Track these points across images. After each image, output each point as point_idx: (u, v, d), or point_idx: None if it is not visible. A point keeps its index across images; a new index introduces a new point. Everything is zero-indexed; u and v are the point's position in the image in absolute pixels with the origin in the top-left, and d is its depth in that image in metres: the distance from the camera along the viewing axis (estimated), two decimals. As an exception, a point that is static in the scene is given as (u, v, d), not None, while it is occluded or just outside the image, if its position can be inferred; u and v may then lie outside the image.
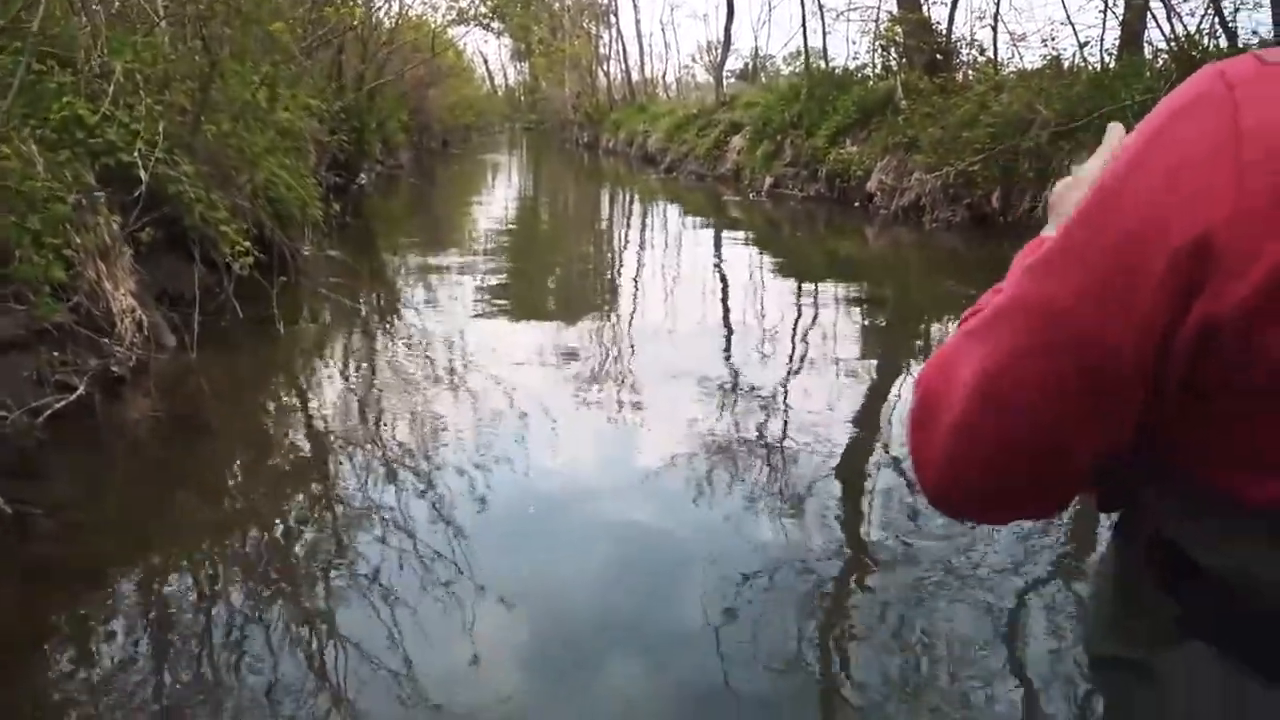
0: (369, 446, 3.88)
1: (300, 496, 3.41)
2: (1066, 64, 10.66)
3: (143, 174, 4.68)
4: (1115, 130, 0.73)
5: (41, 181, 3.69)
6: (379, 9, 13.53)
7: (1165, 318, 0.50)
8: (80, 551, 2.88)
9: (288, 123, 7.43)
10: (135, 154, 4.70)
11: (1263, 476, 0.51)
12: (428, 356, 5.31)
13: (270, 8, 6.95)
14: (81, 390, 3.82)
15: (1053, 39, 11.01)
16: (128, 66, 4.99)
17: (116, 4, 5.67)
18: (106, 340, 4.22)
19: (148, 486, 3.46)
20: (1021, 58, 11.75)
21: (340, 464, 3.70)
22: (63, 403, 3.65)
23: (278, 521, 3.21)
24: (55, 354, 4.02)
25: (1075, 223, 0.53)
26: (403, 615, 2.48)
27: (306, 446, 3.96)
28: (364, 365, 5.29)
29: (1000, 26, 12.13)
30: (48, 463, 3.42)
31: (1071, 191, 0.72)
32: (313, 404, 4.55)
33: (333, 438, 4.01)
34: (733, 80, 27.77)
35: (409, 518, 3.10)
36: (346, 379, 5.04)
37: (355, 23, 10.98)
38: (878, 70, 14.64)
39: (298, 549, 3.00)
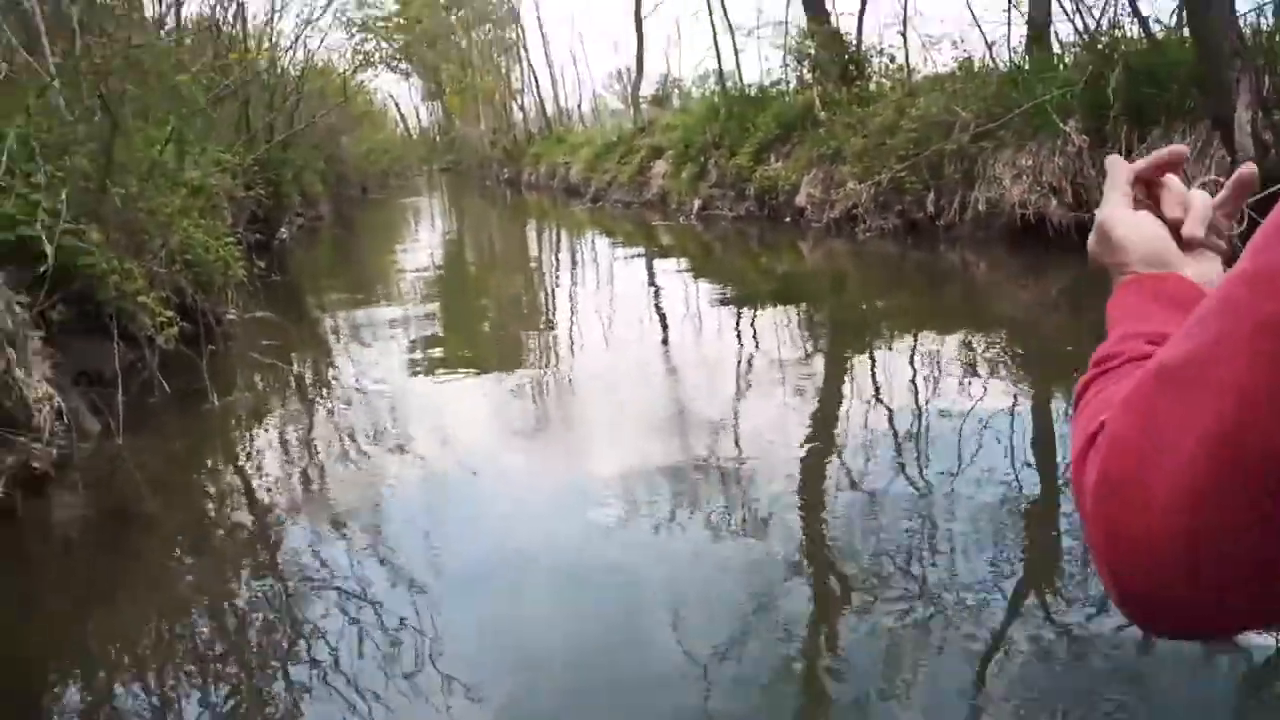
0: (315, 523, 3.58)
1: (247, 585, 3.12)
2: (977, 65, 10.85)
3: (48, 248, 4.31)
4: (1115, 163, 0.70)
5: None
6: (284, 56, 13.18)
7: None
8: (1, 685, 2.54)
9: (199, 180, 7.05)
10: (38, 226, 4.33)
11: None
12: (368, 419, 5.03)
13: (171, 61, 6.61)
14: (0, 493, 3.45)
15: (962, 41, 11.18)
16: (21, 132, 4.62)
17: (4, 67, 5.28)
18: (22, 436, 3.84)
19: (78, 596, 3.10)
20: (934, 62, 11.88)
21: (287, 545, 3.41)
22: (-24, 510, 3.28)
23: (225, 617, 2.91)
24: (-37, 454, 3.64)
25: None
26: (369, 700, 2.32)
27: (249, 530, 3.63)
28: (303, 436, 4.94)
29: (910, 32, 12.28)
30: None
31: (1109, 235, 0.67)
32: (252, 482, 4.21)
33: (276, 517, 3.70)
34: (646, 105, 27.89)
35: (363, 592, 2.92)
36: (285, 452, 4.69)
37: (262, 70, 10.62)
38: (793, 85, 14.78)
39: (251, 644, 2.72)
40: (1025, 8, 10.39)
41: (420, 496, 3.80)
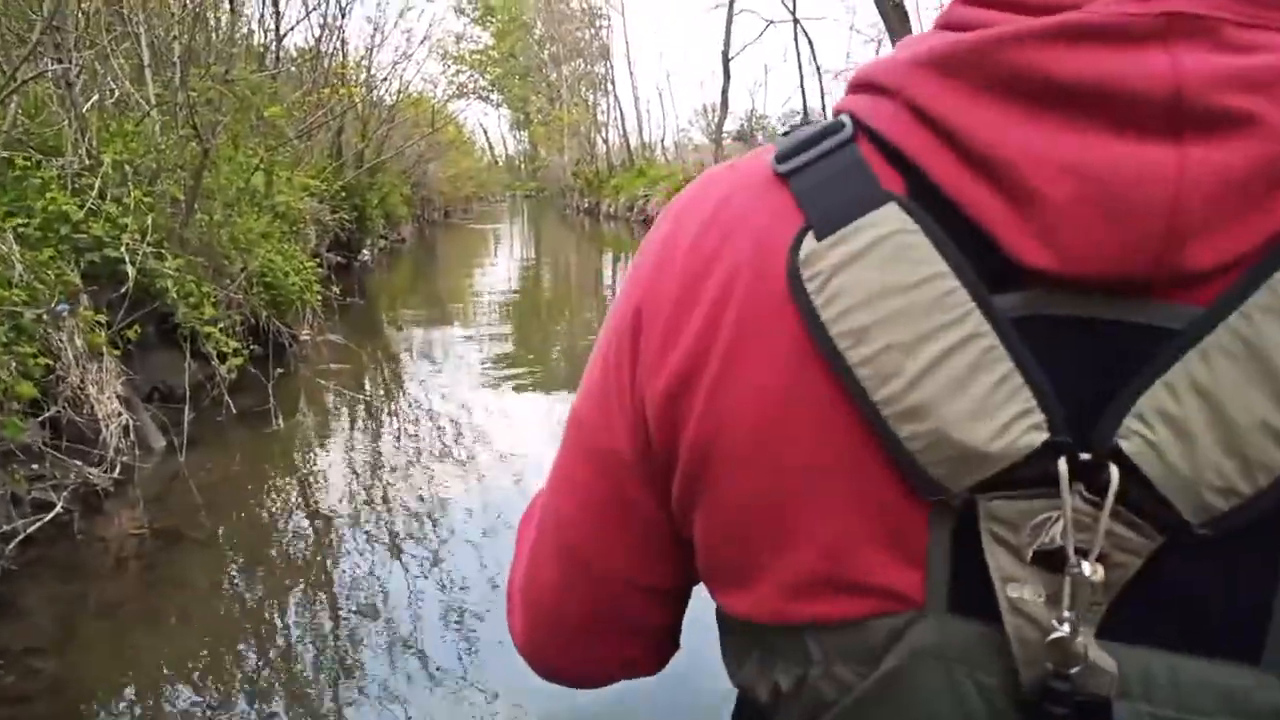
0: (374, 551, 3.62)
1: (297, 609, 3.15)
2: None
3: (129, 269, 4.48)
4: None
5: (16, 290, 3.47)
6: (379, 88, 13.60)
7: (632, 405, 0.51)
8: (50, 709, 2.58)
9: (285, 206, 7.29)
10: (122, 249, 4.50)
11: (716, 584, 0.52)
12: (434, 441, 5.12)
13: (267, 92, 6.86)
14: (59, 508, 3.55)
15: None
16: (116, 158, 4.83)
17: (112, 95, 5.54)
18: (90, 450, 3.97)
19: (128, 617, 3.16)
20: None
21: (344, 573, 3.43)
22: (36, 525, 3.38)
23: (273, 640, 2.93)
24: (33, 467, 3.77)
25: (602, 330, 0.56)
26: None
27: (304, 556, 3.67)
28: (366, 459, 5.01)
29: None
30: (17, 597, 3.13)
31: None
32: (311, 505, 4.27)
33: (334, 543, 3.74)
34: (729, 141, 27.99)
35: (420, 628, 2.94)
36: (347, 475, 4.76)
37: (356, 102, 10.97)
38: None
39: (298, 668, 2.72)
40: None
41: (478, 523, 3.83)
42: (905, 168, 0.44)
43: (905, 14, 13.97)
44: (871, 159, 0.45)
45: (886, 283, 0.42)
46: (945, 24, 0.46)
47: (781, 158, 0.48)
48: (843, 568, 0.46)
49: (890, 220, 0.43)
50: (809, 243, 0.44)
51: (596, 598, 0.59)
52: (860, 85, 0.48)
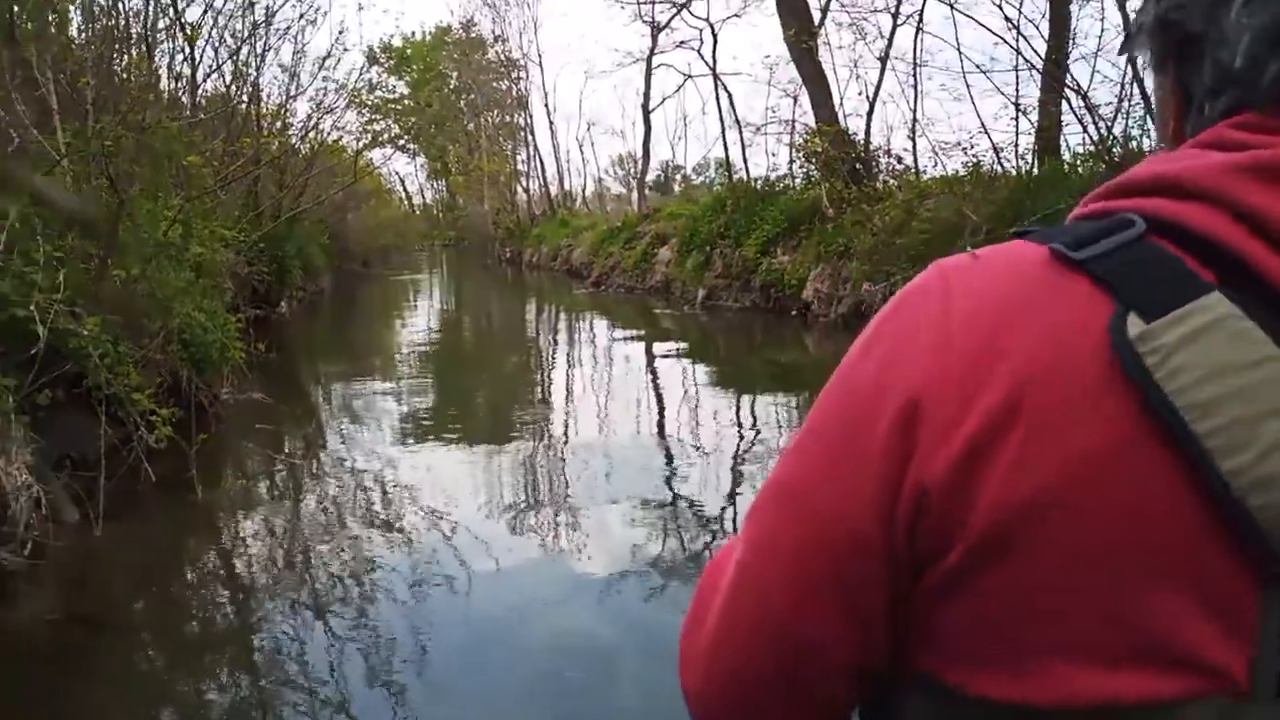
0: (301, 620, 3.41)
1: (225, 695, 2.88)
2: (985, 170, 10.94)
3: (40, 329, 4.14)
4: None
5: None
6: (295, 136, 13.26)
7: (889, 485, 0.51)
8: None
9: (203, 259, 6.94)
10: (32, 307, 4.17)
11: (971, 668, 0.50)
12: (356, 509, 4.92)
13: (184, 141, 6.56)
14: (-39, 595, 3.19)
15: (972, 146, 11.29)
16: (23, 210, 4.49)
17: (15, 142, 5.19)
18: (-7, 528, 3.60)
19: (41, 717, 2.82)
20: (944, 165, 11.97)
21: (271, 648, 3.21)
22: (-65, 616, 3.02)
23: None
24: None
25: (819, 400, 0.56)
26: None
27: (229, 632, 3.39)
28: (290, 524, 4.71)
29: (918, 134, 12.45)
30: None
31: None
32: (236, 577, 3.98)
33: (259, 616, 3.49)
34: (649, 191, 28.27)
35: (349, 694, 2.83)
36: (271, 543, 4.45)
37: (274, 151, 10.65)
38: (799, 181, 14.92)
39: None
40: (1035, 116, 10.50)
41: (406, 591, 3.67)
42: (1216, 262, 0.47)
43: (821, 71, 14.41)
44: (1177, 253, 0.48)
45: (1229, 360, 0.45)
46: (1214, 143, 0.51)
47: (1075, 247, 0.50)
48: (1161, 642, 0.45)
49: (1219, 306, 0.46)
50: (1136, 322, 0.46)
51: (798, 673, 0.57)
52: (1147, 189, 0.51)
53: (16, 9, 5.47)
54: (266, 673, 3.01)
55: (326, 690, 2.87)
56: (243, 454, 5.87)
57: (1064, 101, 9.80)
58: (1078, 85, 9.55)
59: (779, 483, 0.57)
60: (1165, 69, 0.57)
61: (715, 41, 19.39)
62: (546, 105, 48.19)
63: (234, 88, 11.45)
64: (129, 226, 4.99)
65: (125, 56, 8.18)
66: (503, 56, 34.37)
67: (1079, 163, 9.59)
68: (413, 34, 38.12)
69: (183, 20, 9.20)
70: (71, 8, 7.22)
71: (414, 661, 3.05)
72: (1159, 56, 0.57)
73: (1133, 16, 0.59)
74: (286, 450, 6.15)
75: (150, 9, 8.55)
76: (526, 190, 35.67)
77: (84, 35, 7.54)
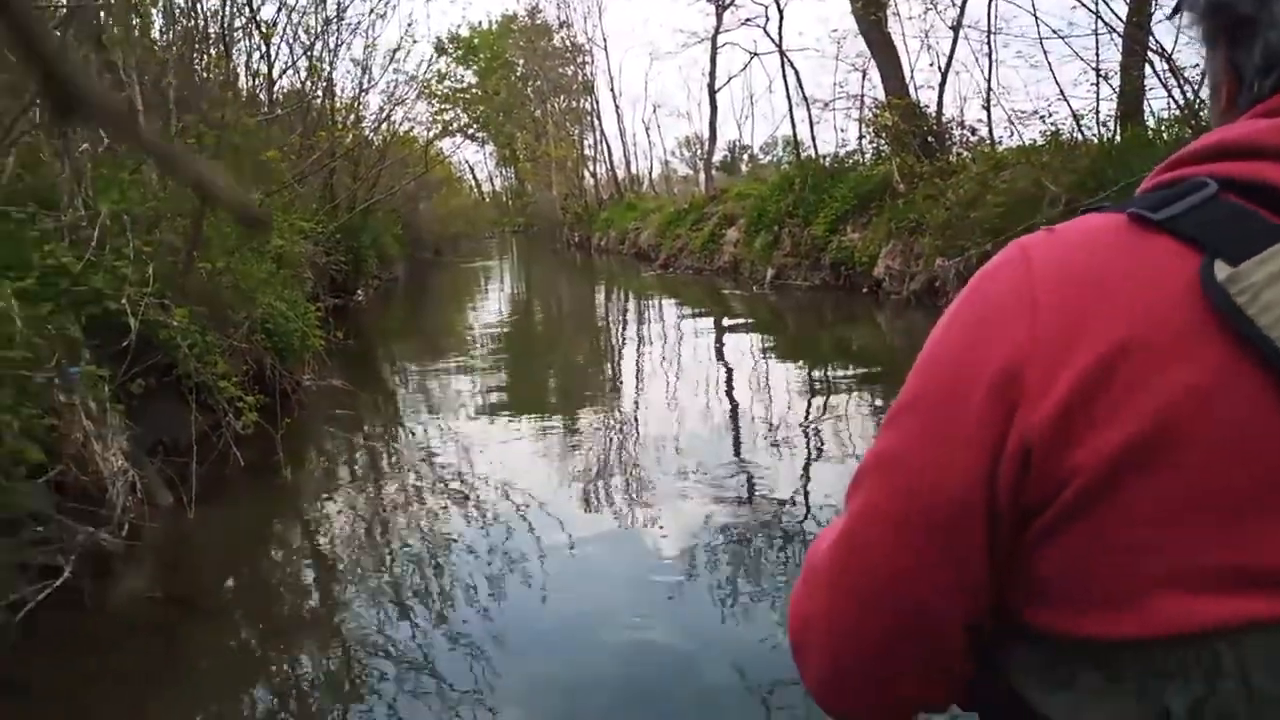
0: (383, 604, 3.48)
1: (315, 673, 2.99)
2: (1064, 139, 10.56)
3: (132, 321, 4.33)
4: None
5: (18, 349, 3.32)
6: (368, 129, 13.53)
7: (988, 449, 0.54)
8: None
9: (283, 250, 7.16)
10: (123, 301, 4.35)
11: (1077, 611, 0.53)
12: (441, 485, 5.03)
13: (262, 137, 6.76)
14: (67, 574, 3.37)
15: (1050, 114, 10.90)
16: (114, 208, 4.69)
17: (104, 143, 5.42)
18: (95, 509, 3.79)
19: (139, 696, 2.96)
20: (1020, 135, 11.59)
21: (353, 629, 3.27)
22: (45, 593, 3.20)
23: (287, 708, 2.76)
24: (38, 530, 3.59)
25: (912, 376, 0.60)
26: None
27: (315, 614, 3.50)
28: (373, 506, 4.84)
29: (993, 104, 12.07)
30: (24, 674, 2.95)
31: None
32: (322, 558, 4.11)
33: (346, 597, 3.59)
34: (716, 172, 28.07)
35: (431, 675, 2.88)
36: (356, 524, 4.59)
37: (349, 144, 10.89)
38: (869, 156, 14.64)
39: None
40: (1116, 82, 10.09)
41: (484, 569, 3.73)
42: None
43: (891, 42, 14.08)
44: (1251, 206, 0.53)
45: None
46: (1270, 113, 0.55)
47: (1154, 209, 0.54)
48: (1270, 566, 0.47)
49: None
50: (1222, 267, 0.50)
51: (917, 632, 0.60)
52: (1213, 155, 0.56)
53: (103, 15, 5.69)
54: (353, 650, 3.11)
55: (410, 665, 2.94)
56: (325, 438, 6.05)
57: (1147, 65, 9.40)
58: (1161, 48, 9.14)
59: (879, 455, 0.60)
60: (1217, 46, 0.61)
61: (781, 17, 19.09)
62: (612, 89, 48.32)
63: (309, 83, 11.74)
64: (212, 221, 5.18)
65: (204, 56, 8.46)
66: (568, 42, 34.48)
67: (1164, 129, 9.18)
68: (479, 23, 38.50)
69: (258, 18, 9.45)
70: (154, 11, 7.49)
71: (495, 637, 3.10)
72: (1211, 35, 0.61)
73: None
74: (366, 433, 6.33)
75: (227, 9, 8.81)
76: (594, 174, 35.79)
77: (165, 37, 7.81)
